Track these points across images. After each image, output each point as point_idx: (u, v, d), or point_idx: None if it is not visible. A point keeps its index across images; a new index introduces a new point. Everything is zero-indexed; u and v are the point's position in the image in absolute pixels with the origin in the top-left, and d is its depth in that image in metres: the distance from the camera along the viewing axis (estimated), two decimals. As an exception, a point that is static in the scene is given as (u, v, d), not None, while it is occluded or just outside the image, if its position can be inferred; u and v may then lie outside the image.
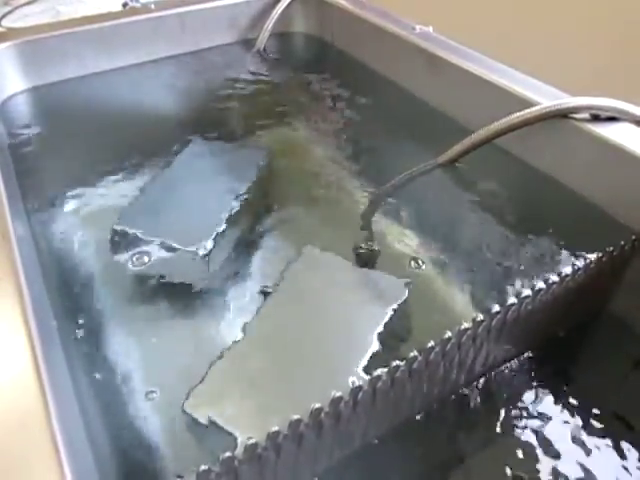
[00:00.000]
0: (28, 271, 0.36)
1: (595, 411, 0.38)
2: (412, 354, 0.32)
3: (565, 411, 0.38)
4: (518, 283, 0.39)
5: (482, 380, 0.40)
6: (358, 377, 0.34)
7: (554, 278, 0.37)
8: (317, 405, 0.29)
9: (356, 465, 0.35)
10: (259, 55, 0.80)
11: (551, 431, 0.37)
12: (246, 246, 0.47)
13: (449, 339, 0.33)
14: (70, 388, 0.32)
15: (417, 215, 0.50)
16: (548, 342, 0.42)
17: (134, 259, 0.44)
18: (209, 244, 0.44)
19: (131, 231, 0.44)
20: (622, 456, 0.36)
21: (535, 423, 0.38)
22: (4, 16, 0.87)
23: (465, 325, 0.34)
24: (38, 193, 0.53)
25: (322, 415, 0.30)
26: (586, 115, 0.47)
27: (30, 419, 0.27)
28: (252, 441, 0.27)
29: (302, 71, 0.76)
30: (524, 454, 0.36)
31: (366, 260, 0.45)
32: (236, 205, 0.48)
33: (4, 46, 0.69)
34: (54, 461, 0.25)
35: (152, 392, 0.36)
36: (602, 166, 0.45)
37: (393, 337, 0.37)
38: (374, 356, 0.36)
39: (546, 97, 0.49)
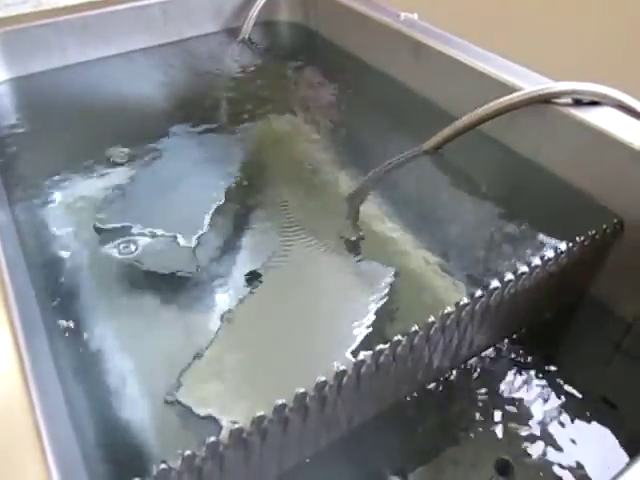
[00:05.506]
0: (10, 260, 0.36)
1: (579, 393, 0.39)
2: (396, 338, 0.32)
3: (550, 393, 0.39)
4: (502, 267, 0.40)
5: (467, 364, 0.40)
6: (343, 361, 0.34)
7: (537, 262, 0.37)
8: (302, 390, 0.29)
9: (342, 450, 0.35)
10: (244, 44, 0.79)
11: (536, 413, 0.38)
12: (233, 234, 0.47)
13: (433, 323, 0.33)
14: (54, 376, 0.32)
15: (402, 202, 0.50)
16: (532, 325, 0.43)
17: (121, 248, 0.44)
18: (196, 233, 0.44)
19: (117, 220, 0.44)
20: (606, 436, 0.37)
21: (520, 406, 0.38)
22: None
23: (449, 309, 0.34)
24: (22, 183, 0.52)
25: (307, 399, 0.30)
26: (568, 100, 0.47)
27: (13, 408, 0.27)
28: (237, 426, 0.28)
29: (287, 60, 0.75)
30: (509, 437, 0.36)
31: (352, 247, 0.45)
32: (222, 194, 0.48)
33: (-15, 36, 0.68)
34: (38, 450, 0.25)
35: (138, 379, 0.36)
36: (585, 150, 0.45)
37: (378, 322, 0.37)
38: (359, 341, 0.36)
39: (529, 82, 0.49)
